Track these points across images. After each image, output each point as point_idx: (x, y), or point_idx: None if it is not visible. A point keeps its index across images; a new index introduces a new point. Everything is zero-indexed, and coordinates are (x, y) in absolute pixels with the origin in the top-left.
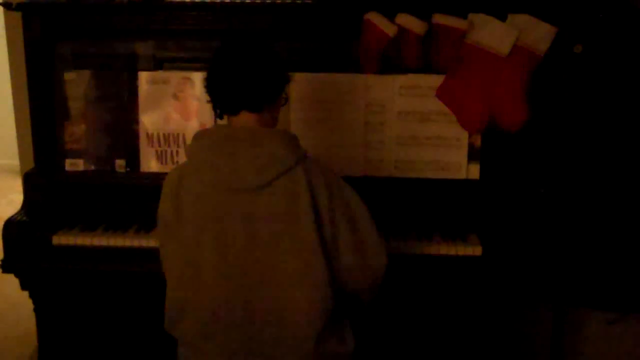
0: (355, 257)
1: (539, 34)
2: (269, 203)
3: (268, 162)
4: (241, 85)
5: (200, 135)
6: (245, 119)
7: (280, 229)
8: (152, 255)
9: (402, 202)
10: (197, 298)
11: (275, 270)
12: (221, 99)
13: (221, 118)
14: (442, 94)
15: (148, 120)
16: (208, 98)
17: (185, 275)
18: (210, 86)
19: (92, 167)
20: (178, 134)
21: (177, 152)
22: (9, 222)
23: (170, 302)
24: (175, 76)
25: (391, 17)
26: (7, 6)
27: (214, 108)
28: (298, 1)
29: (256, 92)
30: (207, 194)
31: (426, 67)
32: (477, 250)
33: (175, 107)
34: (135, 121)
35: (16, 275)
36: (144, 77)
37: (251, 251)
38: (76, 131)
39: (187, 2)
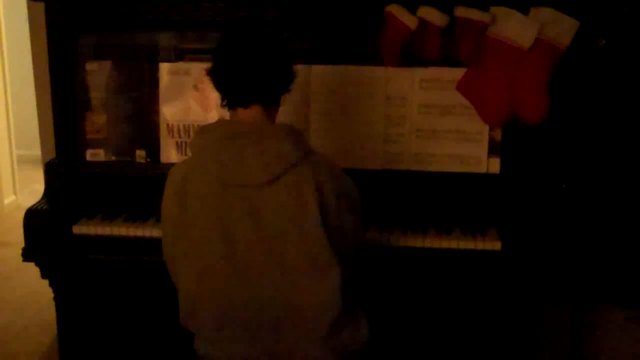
0: (355, 238)
1: (561, 27)
2: (275, 198)
3: (274, 158)
4: (257, 77)
5: (204, 131)
6: (254, 112)
7: (287, 223)
8: None
9: (422, 196)
10: (208, 292)
11: (283, 262)
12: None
13: (229, 108)
14: (463, 87)
15: (168, 111)
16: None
17: (196, 270)
18: (219, 77)
19: (113, 158)
20: (198, 125)
21: None
22: (31, 212)
23: (183, 297)
24: (195, 67)
25: (412, 10)
26: None
27: (222, 99)
28: None
29: (271, 84)
30: (213, 189)
31: (447, 60)
32: (496, 245)
33: (195, 98)
34: (156, 112)
35: (36, 264)
36: (164, 68)
37: (258, 245)
38: (97, 121)
39: None
